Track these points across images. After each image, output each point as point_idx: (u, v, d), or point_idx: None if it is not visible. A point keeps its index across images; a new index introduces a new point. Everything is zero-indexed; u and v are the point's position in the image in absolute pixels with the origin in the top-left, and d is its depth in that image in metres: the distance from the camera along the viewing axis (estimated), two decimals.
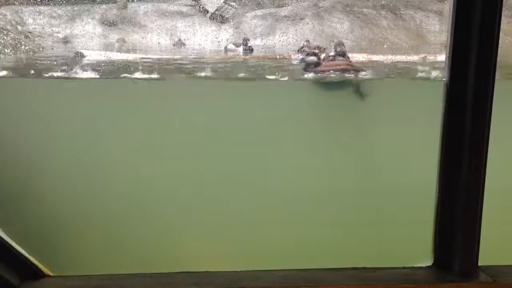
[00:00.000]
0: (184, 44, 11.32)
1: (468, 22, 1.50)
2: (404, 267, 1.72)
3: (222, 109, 7.20)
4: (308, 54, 8.91)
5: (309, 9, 12.22)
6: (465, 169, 1.59)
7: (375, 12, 12.19)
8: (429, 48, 10.81)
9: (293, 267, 1.69)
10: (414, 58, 10.17)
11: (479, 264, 1.69)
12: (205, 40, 11.60)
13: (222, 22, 12.14)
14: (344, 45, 9.48)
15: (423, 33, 11.73)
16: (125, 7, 11.60)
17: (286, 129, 6.76)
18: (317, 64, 8.45)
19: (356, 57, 9.85)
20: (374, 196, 4.94)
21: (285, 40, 11.76)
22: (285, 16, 12.30)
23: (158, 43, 11.24)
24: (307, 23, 12.03)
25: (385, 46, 11.49)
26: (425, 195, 1.84)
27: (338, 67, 8.03)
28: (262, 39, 11.94)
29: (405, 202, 4.59)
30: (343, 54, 9.03)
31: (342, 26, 11.95)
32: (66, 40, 10.86)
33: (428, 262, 1.72)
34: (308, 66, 8.53)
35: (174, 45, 11.30)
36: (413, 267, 1.72)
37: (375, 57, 10.17)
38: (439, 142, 1.62)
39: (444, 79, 1.57)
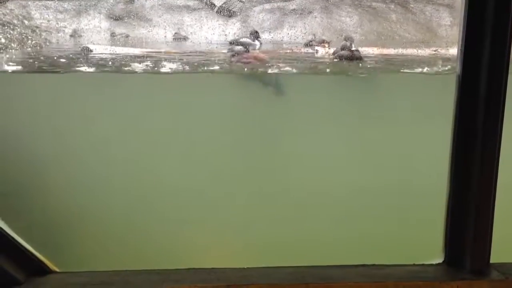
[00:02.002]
0: (186, 38, 11.27)
1: (481, 13, 1.47)
2: (414, 264, 1.71)
3: (226, 104, 7.21)
4: (237, 44, 9.24)
5: (317, 2, 12.18)
6: (477, 164, 1.57)
7: (384, 5, 12.13)
8: (441, 42, 10.75)
9: (301, 264, 1.67)
10: (425, 51, 10.12)
11: (491, 261, 1.67)
12: (212, 34, 11.60)
13: (229, 16, 12.11)
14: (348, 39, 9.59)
15: (433, 26, 11.67)
16: (131, 1, 11.62)
17: (290, 124, 6.75)
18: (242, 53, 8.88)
19: (366, 50, 9.84)
20: (384, 193, 4.92)
21: (293, 34, 11.73)
22: (293, 10, 12.27)
23: (165, 36, 11.27)
24: (316, 17, 12.00)
25: (394, 39, 11.45)
26: (436, 192, 1.81)
27: (251, 59, 8.59)
28: (270, 33, 11.92)
29: (416, 198, 4.57)
30: (350, 49, 9.16)
31: (352, 19, 11.91)
32: (72, 35, 10.90)
33: (439, 259, 1.70)
34: (234, 56, 8.84)
35: (174, 39, 11.25)
36: (423, 265, 1.71)
37: (385, 51, 10.14)
38: (451, 136, 1.60)
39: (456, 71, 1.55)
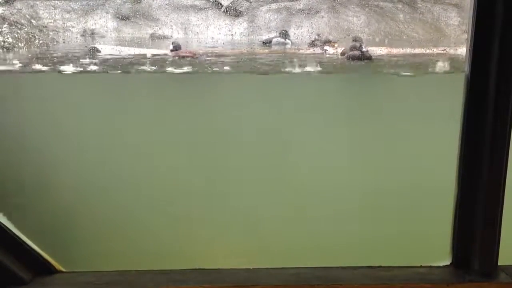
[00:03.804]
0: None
1: (490, 13, 1.45)
2: (421, 266, 1.70)
3: (238, 103, 7.20)
4: (173, 43, 10.20)
5: (324, 2, 12.16)
6: (486, 165, 1.55)
7: (391, 5, 12.10)
8: (449, 42, 10.71)
9: (307, 265, 1.67)
10: (433, 51, 10.09)
11: (499, 263, 1.65)
12: (219, 33, 11.62)
13: (236, 16, 12.13)
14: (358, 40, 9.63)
15: (441, 26, 11.62)
16: (139, 1, 11.67)
17: (297, 123, 6.73)
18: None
19: (374, 50, 9.82)
20: (391, 194, 4.89)
21: (300, 34, 11.73)
22: (300, 10, 12.26)
23: (171, 36, 11.33)
24: (323, 17, 11.99)
25: (401, 39, 11.41)
26: (444, 193, 1.80)
27: (183, 53, 9.89)
28: (276, 32, 11.94)
29: (424, 200, 4.54)
30: (360, 49, 9.24)
31: (359, 19, 11.89)
32: (80, 34, 10.95)
33: (446, 261, 1.68)
34: (172, 51, 10.07)
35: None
36: (430, 266, 1.69)
37: (394, 51, 10.12)
38: (459, 137, 1.58)
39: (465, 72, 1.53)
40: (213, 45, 11.17)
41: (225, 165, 5.79)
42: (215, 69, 9.20)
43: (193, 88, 8.09)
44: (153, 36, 11.44)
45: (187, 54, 9.84)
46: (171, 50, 10.00)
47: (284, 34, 11.30)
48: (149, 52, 10.22)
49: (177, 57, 9.71)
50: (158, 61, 9.54)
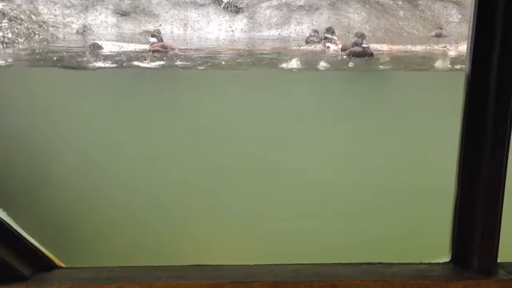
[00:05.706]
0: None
1: (491, 11, 1.45)
2: (421, 263, 1.69)
3: (241, 101, 7.20)
4: (152, 36, 10.46)
5: None
6: (486, 163, 1.55)
7: (392, 2, 12.09)
8: (450, 39, 10.71)
9: (307, 261, 1.67)
10: (434, 48, 10.10)
11: (499, 260, 1.65)
12: (219, 29, 11.60)
13: (236, 12, 12.12)
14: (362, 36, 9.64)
15: (442, 23, 11.62)
16: None
17: (293, 121, 6.73)
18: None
19: (375, 47, 9.82)
20: (392, 191, 4.88)
21: (300, 31, 11.72)
22: (300, 6, 12.25)
23: (171, 32, 11.31)
24: (322, 13, 11.98)
25: (402, 36, 11.41)
26: (444, 190, 1.80)
27: (158, 47, 10.13)
28: (277, 29, 11.91)
29: (424, 197, 4.54)
30: (361, 45, 9.26)
31: (360, 15, 11.88)
32: (80, 30, 10.93)
33: (446, 258, 1.68)
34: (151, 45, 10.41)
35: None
36: (430, 263, 1.69)
37: (395, 48, 10.13)
38: (459, 135, 1.58)
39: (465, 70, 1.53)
40: (214, 40, 11.16)
41: (225, 163, 5.78)
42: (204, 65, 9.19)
43: (191, 85, 8.09)
44: (148, 32, 11.45)
45: (159, 48, 10.04)
46: (151, 44, 10.25)
47: (331, 31, 11.23)
48: (140, 47, 10.29)
49: (150, 52, 9.92)
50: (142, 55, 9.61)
